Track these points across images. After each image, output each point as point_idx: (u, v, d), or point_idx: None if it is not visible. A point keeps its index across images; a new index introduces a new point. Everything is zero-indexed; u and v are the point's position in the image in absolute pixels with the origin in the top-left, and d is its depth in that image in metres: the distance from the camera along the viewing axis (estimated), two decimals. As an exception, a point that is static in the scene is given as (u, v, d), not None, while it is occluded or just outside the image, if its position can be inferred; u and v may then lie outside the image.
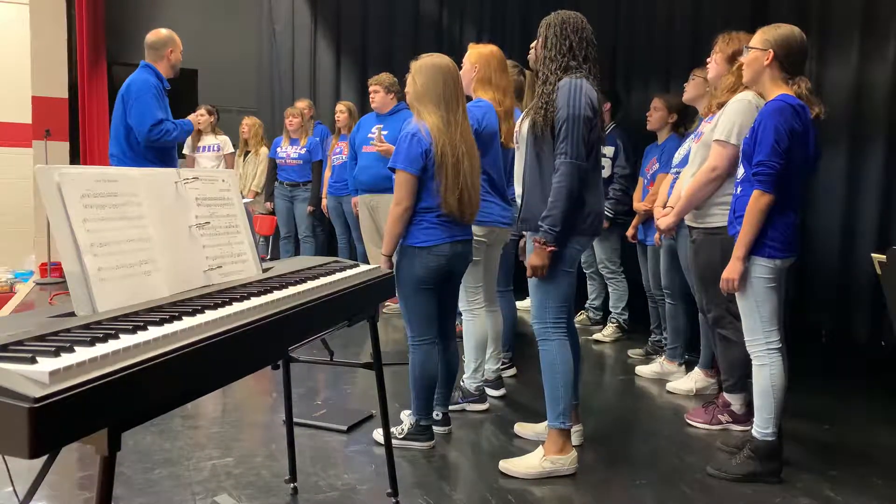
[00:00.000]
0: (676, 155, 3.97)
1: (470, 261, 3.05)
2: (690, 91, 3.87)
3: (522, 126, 2.84)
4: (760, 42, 2.70)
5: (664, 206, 3.88)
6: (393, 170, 2.83)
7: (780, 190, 2.60)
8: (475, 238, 3.36)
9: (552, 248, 2.67)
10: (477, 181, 2.90)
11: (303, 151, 6.20)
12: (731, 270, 2.68)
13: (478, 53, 3.47)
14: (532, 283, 2.79)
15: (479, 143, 3.28)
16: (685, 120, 4.26)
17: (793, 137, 2.57)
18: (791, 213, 2.68)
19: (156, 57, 4.13)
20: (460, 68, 3.50)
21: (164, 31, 4.20)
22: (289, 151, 6.25)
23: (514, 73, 3.84)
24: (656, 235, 3.92)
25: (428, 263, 2.82)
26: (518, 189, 2.94)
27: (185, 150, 6.61)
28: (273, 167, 6.41)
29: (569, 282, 2.79)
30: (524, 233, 2.98)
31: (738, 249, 2.66)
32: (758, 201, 2.60)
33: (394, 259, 2.89)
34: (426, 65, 2.84)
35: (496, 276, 3.63)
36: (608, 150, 4.85)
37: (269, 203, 6.56)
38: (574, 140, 2.61)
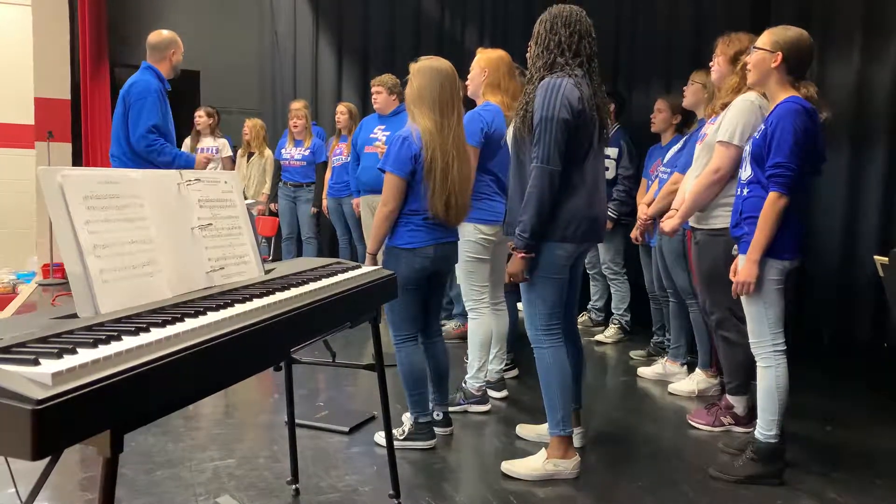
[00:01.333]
0: (668, 154, 3.99)
1: (455, 262, 3.07)
2: (689, 97, 3.89)
3: (509, 128, 2.83)
4: (769, 43, 2.66)
5: (648, 205, 3.92)
6: (383, 171, 2.84)
7: (793, 192, 2.60)
8: (484, 237, 3.37)
9: (523, 254, 2.61)
10: (466, 187, 2.90)
11: (306, 153, 6.20)
12: (748, 273, 2.63)
13: (487, 58, 3.48)
14: (521, 289, 2.76)
15: (487, 146, 3.29)
16: (689, 121, 4.27)
17: (807, 140, 2.57)
18: (799, 215, 2.68)
19: (158, 58, 4.10)
20: (464, 70, 3.51)
21: (166, 33, 4.18)
22: (293, 152, 6.26)
23: (517, 75, 3.84)
24: (635, 230, 3.96)
25: (413, 264, 2.84)
26: None
27: (183, 151, 6.61)
28: (278, 168, 6.41)
29: (555, 288, 2.69)
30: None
31: (754, 252, 2.62)
32: (775, 204, 2.57)
33: (379, 258, 2.91)
34: (424, 67, 2.84)
35: (503, 276, 3.63)
36: (612, 152, 4.85)
37: (273, 204, 6.56)
38: (546, 144, 2.53)
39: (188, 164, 4.18)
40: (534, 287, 2.70)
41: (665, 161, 4.00)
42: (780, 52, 2.63)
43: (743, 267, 2.66)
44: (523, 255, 2.62)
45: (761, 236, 2.60)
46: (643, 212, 3.93)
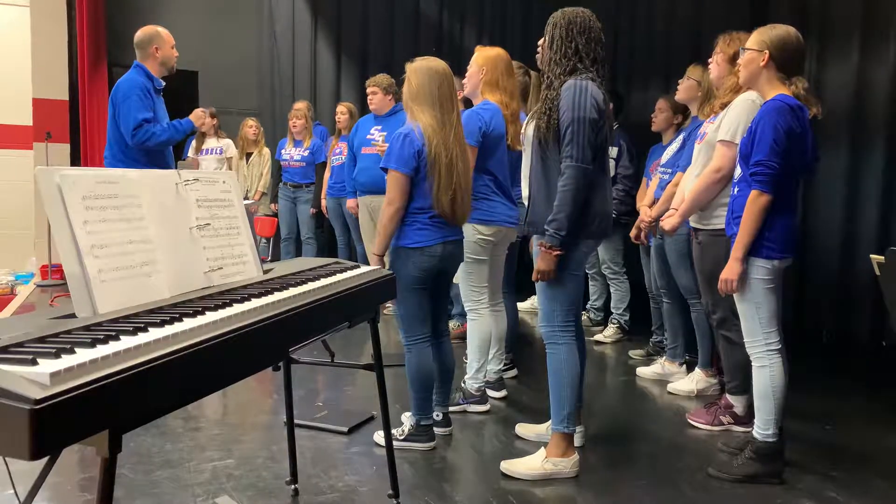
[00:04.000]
0: (665, 154, 3.99)
1: (461, 261, 3.06)
2: (682, 92, 3.90)
3: (528, 129, 2.84)
4: (756, 43, 2.69)
5: (651, 206, 3.91)
6: (385, 170, 2.83)
7: (777, 191, 2.59)
8: (482, 237, 3.36)
9: (558, 252, 2.65)
10: (469, 185, 2.91)
11: (306, 153, 6.20)
12: (730, 271, 2.67)
13: (485, 56, 3.47)
14: (539, 287, 2.78)
15: (486, 145, 3.29)
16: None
17: (791, 138, 2.57)
18: (789, 213, 2.67)
19: (143, 55, 4.04)
20: (463, 69, 3.51)
21: (150, 28, 4.10)
22: (292, 153, 6.26)
23: (520, 73, 3.83)
24: (642, 234, 3.94)
25: (421, 264, 2.83)
26: (525, 191, 2.93)
27: (189, 153, 6.61)
28: (279, 169, 6.41)
29: (576, 284, 2.78)
30: (533, 236, 2.96)
31: (737, 250, 2.65)
32: (756, 202, 2.59)
33: (386, 259, 2.90)
34: (421, 67, 2.86)
35: (501, 276, 3.63)
36: (612, 151, 4.85)
37: (273, 205, 6.55)
38: (580, 143, 2.59)
39: (188, 125, 4.07)
40: (558, 284, 2.73)
41: (664, 161, 3.99)
42: (767, 51, 2.65)
43: (727, 265, 2.68)
44: (559, 252, 2.65)
45: (743, 234, 2.62)
46: (646, 213, 3.92)
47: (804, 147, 2.64)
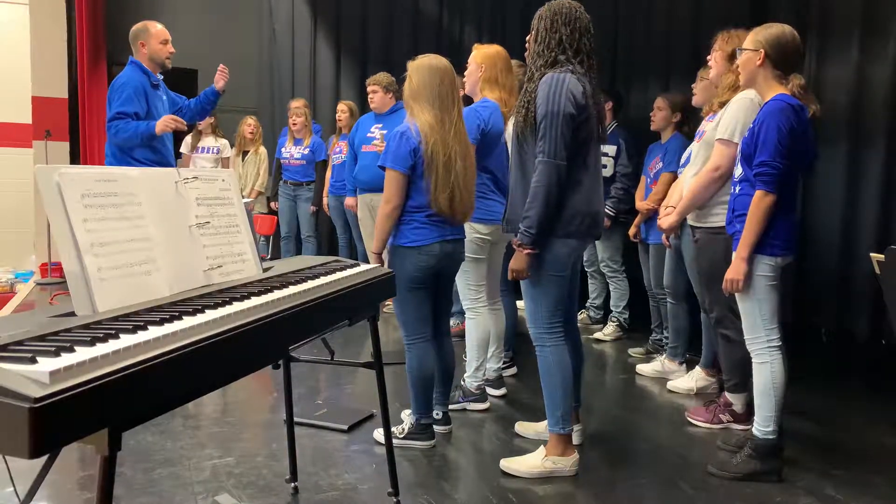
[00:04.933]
0: (684, 156, 3.97)
1: (462, 260, 3.05)
2: (699, 94, 3.83)
3: (509, 124, 2.82)
4: (752, 43, 2.69)
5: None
6: (383, 168, 2.83)
7: (781, 189, 2.60)
8: (480, 236, 3.36)
9: (528, 250, 2.60)
10: (471, 183, 2.89)
11: (306, 151, 6.20)
12: (736, 271, 2.66)
13: (483, 54, 3.47)
14: (523, 288, 2.74)
15: (485, 143, 3.29)
16: (689, 119, 4.26)
17: (793, 137, 2.58)
18: (791, 211, 2.68)
19: (134, 51, 4.04)
20: (463, 68, 3.51)
21: (139, 24, 4.08)
22: (292, 151, 6.25)
23: (521, 72, 3.82)
24: (664, 236, 3.91)
25: (418, 263, 2.83)
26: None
27: (183, 150, 6.59)
28: (279, 167, 6.41)
29: (559, 285, 2.69)
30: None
31: (742, 250, 2.64)
32: (762, 201, 2.59)
33: (384, 256, 2.90)
34: (423, 64, 2.85)
35: (500, 275, 3.63)
36: (610, 149, 4.84)
37: (274, 203, 6.55)
38: (552, 138, 2.52)
39: (149, 130, 3.87)
40: (537, 284, 2.68)
41: (682, 161, 3.96)
42: (762, 50, 2.64)
43: (731, 264, 2.68)
44: (529, 251, 2.60)
45: (749, 234, 2.62)
46: (664, 213, 3.85)
47: (805, 145, 2.65)
